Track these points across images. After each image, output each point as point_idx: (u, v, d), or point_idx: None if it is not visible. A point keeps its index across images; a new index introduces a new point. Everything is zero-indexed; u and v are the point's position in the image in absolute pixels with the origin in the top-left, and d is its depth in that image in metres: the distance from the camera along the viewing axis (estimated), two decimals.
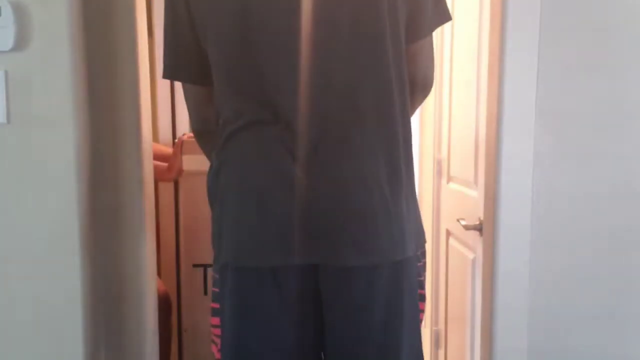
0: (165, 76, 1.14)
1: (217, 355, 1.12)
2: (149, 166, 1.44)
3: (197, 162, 1.77)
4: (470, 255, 1.70)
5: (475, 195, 1.62)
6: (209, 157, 1.21)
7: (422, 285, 1.13)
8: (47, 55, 1.21)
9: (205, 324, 1.82)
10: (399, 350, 1.04)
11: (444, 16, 1.12)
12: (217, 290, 1.11)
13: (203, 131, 1.19)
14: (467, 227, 1.59)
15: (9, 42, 1.19)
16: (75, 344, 1.27)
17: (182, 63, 1.11)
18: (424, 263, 1.15)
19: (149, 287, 1.44)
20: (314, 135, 0.99)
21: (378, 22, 1.00)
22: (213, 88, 1.08)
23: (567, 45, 1.37)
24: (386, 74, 1.01)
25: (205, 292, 1.82)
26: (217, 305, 1.11)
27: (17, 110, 1.22)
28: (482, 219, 1.51)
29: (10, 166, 1.24)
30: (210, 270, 1.79)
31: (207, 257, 1.78)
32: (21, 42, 1.20)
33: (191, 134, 1.85)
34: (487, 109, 1.45)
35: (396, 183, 1.03)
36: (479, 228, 1.54)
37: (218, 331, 1.11)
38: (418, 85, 1.14)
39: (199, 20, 1.05)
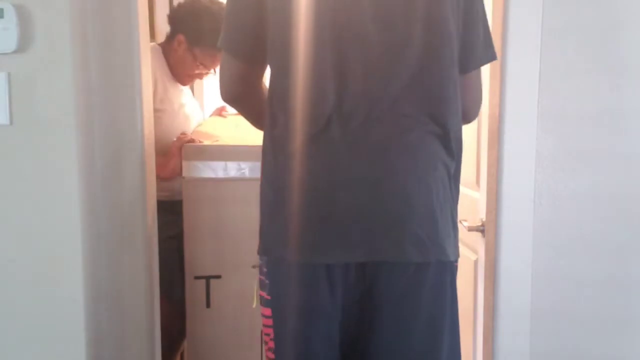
0: (219, 45, 1.16)
1: (270, 344, 1.14)
2: (151, 167, 1.45)
3: (198, 169, 1.73)
4: (473, 257, 1.69)
5: (478, 196, 1.62)
6: (249, 119, 1.28)
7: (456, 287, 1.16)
8: (50, 57, 1.22)
9: (208, 337, 1.75)
10: (441, 348, 1.07)
11: (493, 53, 1.17)
12: (267, 282, 1.12)
13: (234, 103, 1.24)
14: (469, 229, 1.59)
15: (12, 44, 1.20)
16: (78, 346, 1.27)
17: (237, 39, 1.13)
18: (457, 266, 1.16)
19: (151, 288, 1.44)
20: (376, 137, 1.04)
21: (449, 49, 1.06)
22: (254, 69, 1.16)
23: (568, 46, 1.37)
24: (450, 89, 1.07)
25: (208, 305, 1.74)
26: (268, 297, 1.13)
27: (20, 111, 1.23)
28: (484, 220, 1.51)
29: (12, 167, 1.24)
30: (212, 282, 1.74)
31: (209, 268, 1.73)
32: (24, 44, 1.21)
33: (192, 138, 1.83)
34: (488, 109, 1.44)
35: (448, 188, 1.10)
36: (481, 229, 1.54)
37: (269, 321, 1.13)
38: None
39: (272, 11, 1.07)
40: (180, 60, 1.93)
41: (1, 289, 1.27)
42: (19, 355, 1.28)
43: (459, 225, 1.66)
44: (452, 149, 1.10)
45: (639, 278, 1.40)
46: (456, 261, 1.13)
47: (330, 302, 1.05)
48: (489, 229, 1.46)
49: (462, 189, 1.83)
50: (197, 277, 1.73)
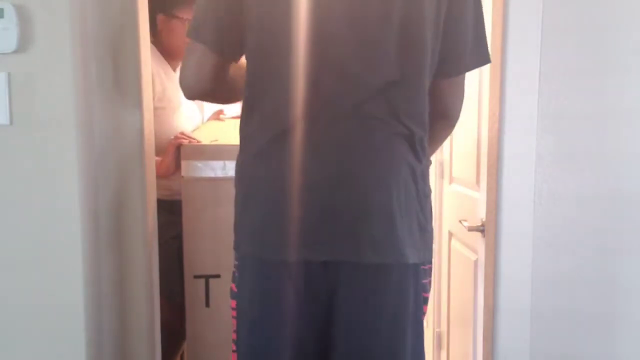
0: (190, 34, 1.11)
1: (233, 335, 1.15)
2: (151, 167, 1.45)
3: (197, 169, 1.73)
4: (473, 257, 1.70)
5: (478, 196, 1.62)
6: (220, 102, 1.29)
7: (425, 289, 1.15)
8: (50, 57, 1.22)
9: (208, 336, 1.75)
10: (404, 349, 1.07)
11: (484, 58, 1.15)
12: (237, 274, 1.14)
13: (204, 96, 1.21)
14: (469, 229, 1.59)
15: (12, 44, 1.20)
16: (78, 346, 1.27)
17: (216, 31, 1.09)
18: (430, 267, 1.16)
19: (151, 288, 1.44)
20: (340, 137, 1.03)
21: (424, 51, 1.05)
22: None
23: (568, 46, 1.37)
24: (422, 92, 1.07)
25: (207, 304, 1.75)
26: (235, 290, 1.14)
27: (20, 111, 1.23)
28: (484, 220, 1.51)
29: (12, 167, 1.24)
30: (211, 281, 1.75)
31: (209, 267, 1.73)
32: (24, 43, 1.21)
33: (191, 138, 1.83)
34: (489, 110, 1.44)
35: (413, 190, 1.07)
36: (481, 229, 1.54)
37: (234, 313, 1.14)
38: (439, 118, 1.16)
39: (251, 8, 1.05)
40: (169, 36, 1.90)
41: (1, 289, 1.27)
42: (19, 355, 1.28)
43: (459, 226, 1.67)
44: (419, 151, 1.09)
45: (638, 278, 1.40)
46: (423, 264, 1.12)
47: (292, 300, 1.06)
48: (489, 229, 1.46)
49: (462, 189, 1.84)
50: (196, 276, 1.73)
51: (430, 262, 1.15)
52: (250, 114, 1.09)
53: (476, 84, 1.64)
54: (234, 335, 1.15)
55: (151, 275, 1.44)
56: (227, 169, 1.74)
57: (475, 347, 1.66)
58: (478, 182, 1.63)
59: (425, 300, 1.15)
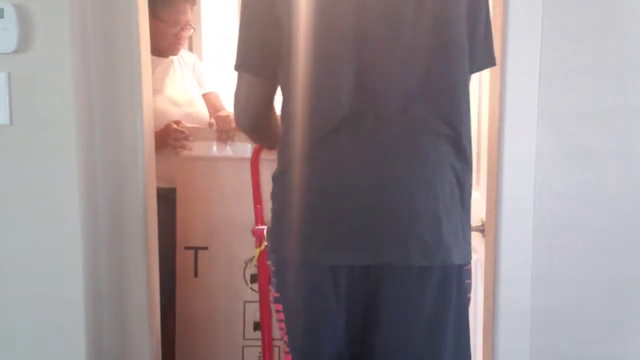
0: (235, 67, 1.14)
1: (285, 338, 1.17)
2: (151, 167, 1.45)
3: (195, 147, 1.84)
4: (473, 257, 1.69)
5: (478, 196, 1.62)
6: (263, 143, 1.35)
7: (468, 289, 1.15)
8: (50, 57, 1.22)
9: (196, 304, 1.88)
10: (443, 350, 1.07)
11: (492, 59, 1.17)
12: (274, 280, 1.15)
13: (255, 127, 1.22)
14: None
15: (12, 44, 1.20)
16: (78, 346, 1.28)
17: (254, 56, 1.12)
18: (470, 268, 1.16)
19: (151, 286, 1.44)
20: (385, 140, 1.04)
21: (458, 46, 1.06)
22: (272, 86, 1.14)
23: (569, 45, 1.37)
24: (461, 91, 1.07)
25: (196, 274, 1.86)
26: (276, 294, 1.15)
27: (20, 111, 1.23)
28: (484, 220, 1.50)
29: (12, 167, 1.25)
30: (201, 253, 1.85)
31: (199, 239, 1.85)
32: (24, 44, 1.21)
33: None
34: (489, 109, 1.44)
35: (457, 191, 1.08)
36: (481, 229, 1.54)
37: (281, 316, 1.15)
38: None
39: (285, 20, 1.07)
40: (155, 36, 1.90)
41: (1, 289, 1.27)
42: (19, 354, 1.28)
43: None
44: (464, 152, 1.09)
45: (638, 278, 1.40)
46: (466, 265, 1.12)
47: (335, 303, 1.06)
48: (489, 229, 1.46)
49: None
50: (187, 248, 1.86)
51: (470, 262, 1.15)
52: (291, 119, 1.09)
53: (476, 84, 1.64)
54: (285, 338, 1.15)
55: (151, 275, 1.44)
56: (218, 149, 1.88)
57: (476, 346, 1.66)
58: (478, 182, 1.63)
59: (468, 301, 1.15)
